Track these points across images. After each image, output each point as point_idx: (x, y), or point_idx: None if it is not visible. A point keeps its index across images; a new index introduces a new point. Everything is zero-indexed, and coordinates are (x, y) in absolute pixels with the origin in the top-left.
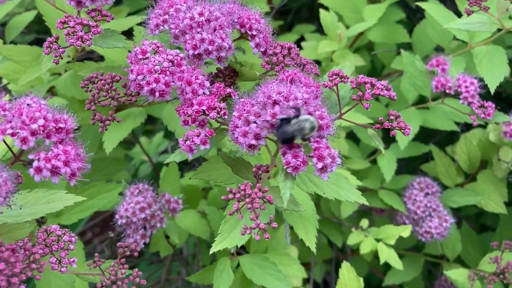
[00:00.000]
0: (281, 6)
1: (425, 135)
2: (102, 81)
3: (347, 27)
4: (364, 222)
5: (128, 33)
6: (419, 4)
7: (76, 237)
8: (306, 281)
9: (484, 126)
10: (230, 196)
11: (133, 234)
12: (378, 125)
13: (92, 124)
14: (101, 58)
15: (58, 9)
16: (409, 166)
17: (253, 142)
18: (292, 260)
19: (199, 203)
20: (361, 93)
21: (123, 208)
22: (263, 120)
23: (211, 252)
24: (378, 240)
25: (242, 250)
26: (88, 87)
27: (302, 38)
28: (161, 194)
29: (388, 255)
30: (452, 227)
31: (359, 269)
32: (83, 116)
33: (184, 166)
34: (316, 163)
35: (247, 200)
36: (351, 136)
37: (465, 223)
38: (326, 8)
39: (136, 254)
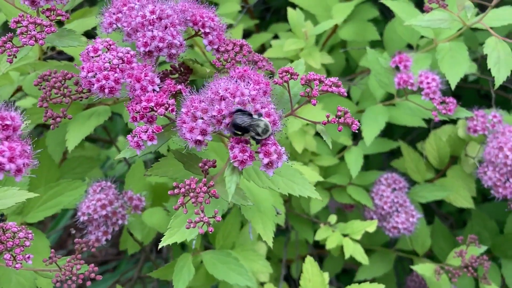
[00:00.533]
0: (261, 4)
1: (402, 132)
2: (54, 79)
3: None
4: (332, 218)
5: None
6: (383, 1)
7: (33, 234)
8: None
9: (454, 122)
10: (176, 191)
11: (95, 231)
12: (325, 121)
13: (44, 121)
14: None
15: (18, 8)
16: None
17: (199, 137)
18: (258, 256)
19: (168, 201)
20: (309, 89)
21: (85, 205)
22: (210, 116)
23: (159, 246)
24: (345, 235)
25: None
26: (41, 85)
27: (277, 37)
28: (123, 191)
29: (354, 250)
30: (420, 222)
31: (335, 265)
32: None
33: None
34: (262, 158)
35: (192, 194)
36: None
37: (437, 218)
38: (300, 8)
39: (93, 249)
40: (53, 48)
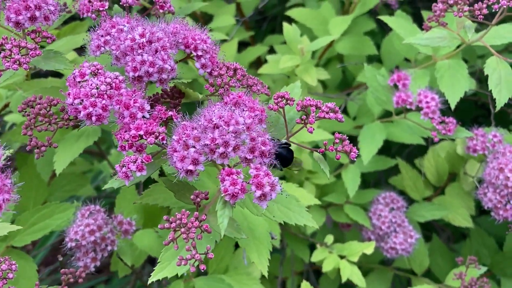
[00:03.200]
0: (257, 14)
1: (399, 145)
2: (39, 105)
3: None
4: (329, 238)
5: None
6: (381, 18)
7: (16, 265)
8: None
9: (453, 138)
10: (166, 225)
11: (83, 258)
12: (323, 149)
13: (28, 150)
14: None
15: (4, 28)
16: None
17: (191, 167)
18: (252, 280)
19: (160, 222)
20: (305, 116)
21: (73, 231)
22: (203, 145)
23: (149, 282)
24: (342, 257)
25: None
26: (25, 111)
27: (273, 49)
28: (113, 215)
29: (351, 272)
30: (419, 241)
31: (331, 283)
32: (36, 135)
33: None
34: (255, 191)
35: (183, 230)
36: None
37: (435, 235)
38: (296, 22)
39: (80, 280)
40: None
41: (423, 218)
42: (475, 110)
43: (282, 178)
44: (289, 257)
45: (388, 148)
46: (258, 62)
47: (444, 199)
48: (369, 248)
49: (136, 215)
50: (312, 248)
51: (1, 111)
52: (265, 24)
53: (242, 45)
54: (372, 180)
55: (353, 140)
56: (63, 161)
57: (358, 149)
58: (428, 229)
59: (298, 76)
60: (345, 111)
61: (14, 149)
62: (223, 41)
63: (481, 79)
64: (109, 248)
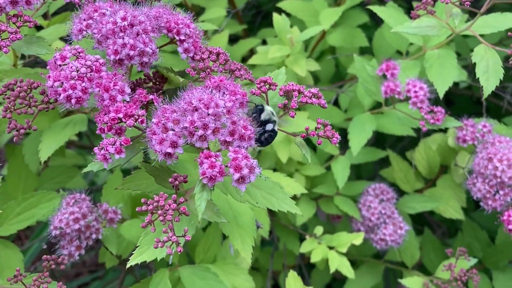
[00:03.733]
0: (251, 9)
1: (393, 139)
2: (19, 88)
3: None
4: (318, 230)
5: None
6: (371, 8)
7: None
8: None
9: (444, 131)
10: (144, 207)
11: (68, 246)
12: (304, 134)
13: (7, 133)
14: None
15: None
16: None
17: (169, 150)
18: (239, 270)
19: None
20: (286, 101)
21: (57, 219)
22: (182, 127)
23: (128, 265)
24: (331, 248)
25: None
26: (5, 94)
27: (266, 42)
28: (98, 204)
29: (339, 263)
30: (410, 234)
31: (323, 275)
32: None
33: None
34: (233, 173)
35: (160, 212)
36: (307, 142)
37: (427, 229)
38: (288, 14)
39: (62, 267)
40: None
41: (414, 210)
42: (471, 107)
43: (273, 170)
44: (281, 251)
45: (383, 142)
46: (251, 56)
47: (435, 191)
48: (357, 239)
49: (122, 204)
50: (303, 240)
51: None
52: (259, 18)
53: (235, 40)
54: (366, 175)
55: (344, 132)
56: (48, 148)
57: (347, 140)
58: (423, 224)
59: (288, 67)
60: (336, 104)
61: (4, 141)
62: (215, 32)
63: (475, 72)
64: (93, 236)
